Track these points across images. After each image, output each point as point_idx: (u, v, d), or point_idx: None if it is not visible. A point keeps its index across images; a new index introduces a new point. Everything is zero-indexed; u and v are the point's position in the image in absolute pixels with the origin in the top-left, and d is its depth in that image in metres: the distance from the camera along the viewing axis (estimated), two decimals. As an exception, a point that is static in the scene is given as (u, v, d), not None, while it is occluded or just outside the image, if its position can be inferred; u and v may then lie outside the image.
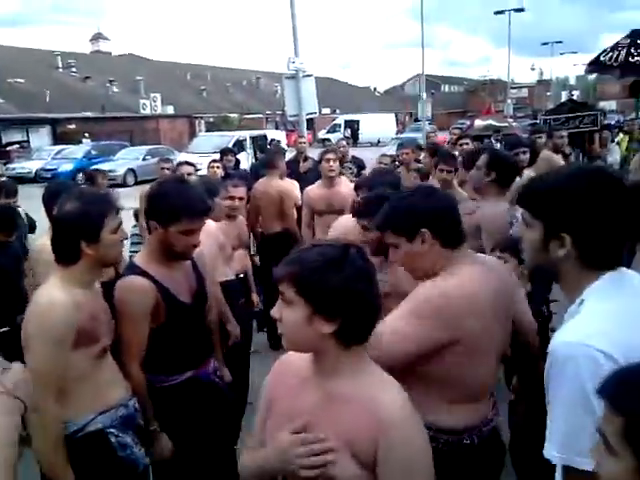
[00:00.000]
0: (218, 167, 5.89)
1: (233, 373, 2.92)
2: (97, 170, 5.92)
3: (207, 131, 31.54)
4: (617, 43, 6.15)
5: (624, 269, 1.37)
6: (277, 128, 32.24)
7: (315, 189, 4.89)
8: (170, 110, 36.31)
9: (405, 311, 1.77)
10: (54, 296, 1.93)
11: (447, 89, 74.24)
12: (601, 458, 0.94)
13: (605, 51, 6.25)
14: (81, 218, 1.98)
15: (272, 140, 16.76)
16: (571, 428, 1.20)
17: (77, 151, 23.54)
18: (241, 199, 4.03)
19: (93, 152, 23.31)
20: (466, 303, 1.73)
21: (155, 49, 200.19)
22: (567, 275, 1.36)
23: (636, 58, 5.82)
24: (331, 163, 4.73)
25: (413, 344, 1.74)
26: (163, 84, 38.33)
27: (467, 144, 5.97)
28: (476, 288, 1.77)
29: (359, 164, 7.17)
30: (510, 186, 3.39)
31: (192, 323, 2.42)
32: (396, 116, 43.00)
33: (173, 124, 35.98)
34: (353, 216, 2.76)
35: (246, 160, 17.17)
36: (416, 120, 38.08)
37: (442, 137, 14.61)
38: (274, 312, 1.34)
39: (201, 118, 37.94)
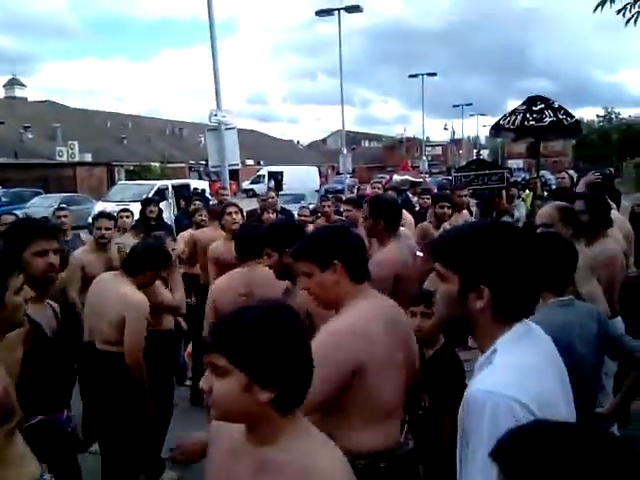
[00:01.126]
0: (127, 217, 5.90)
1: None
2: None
3: (128, 179, 30.85)
4: (515, 109, 6.68)
5: (527, 320, 1.43)
6: (201, 178, 32.08)
7: (217, 243, 4.74)
8: (88, 158, 35.35)
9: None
10: None
11: (367, 144, 77.30)
12: None
13: (504, 116, 6.77)
14: None
15: (195, 189, 16.64)
16: (488, 470, 1.24)
17: (-14, 197, 22.31)
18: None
19: (4, 199, 22.13)
20: (362, 333, 1.88)
21: (74, 97, 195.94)
22: (481, 326, 1.39)
23: (531, 122, 6.32)
24: (233, 216, 4.78)
25: (331, 384, 1.82)
26: (82, 132, 37.40)
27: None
28: (371, 320, 1.93)
29: (289, 215, 7.29)
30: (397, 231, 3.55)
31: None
32: (319, 169, 44.03)
33: (91, 172, 34.96)
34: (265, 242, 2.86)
35: (168, 209, 16.84)
36: (338, 173, 39.18)
37: (368, 190, 15.11)
38: (203, 384, 1.26)
39: (121, 166, 37.16)
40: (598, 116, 59.09)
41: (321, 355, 1.78)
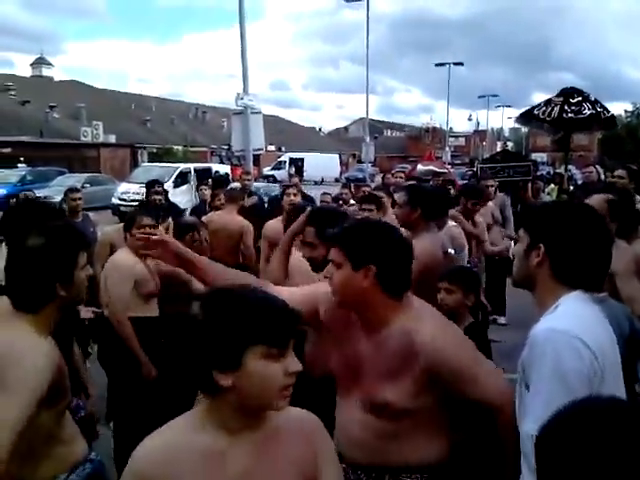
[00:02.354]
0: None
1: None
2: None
3: (150, 162, 31.08)
4: (550, 99, 6.57)
5: (589, 296, 1.51)
6: (222, 162, 32.22)
7: (274, 223, 4.89)
8: (112, 139, 35.65)
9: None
10: (34, 345, 1.69)
11: (389, 134, 76.68)
12: None
13: (539, 106, 6.65)
14: (54, 257, 1.78)
15: (216, 172, 16.69)
16: (550, 403, 1.23)
17: (11, 176, 22.62)
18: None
19: (29, 177, 22.41)
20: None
21: (100, 77, 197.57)
22: (542, 283, 1.52)
23: (570, 115, 6.23)
24: (292, 197, 4.83)
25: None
26: (106, 112, 37.69)
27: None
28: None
29: (310, 200, 7.27)
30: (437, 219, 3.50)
31: None
32: (340, 157, 43.89)
33: (114, 153, 35.27)
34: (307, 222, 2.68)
35: (189, 192, 16.96)
36: (359, 162, 39.03)
37: (392, 180, 15.04)
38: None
39: (144, 148, 37.41)
40: (626, 111, 57.69)
41: (464, 353, 1.75)
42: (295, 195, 4.95)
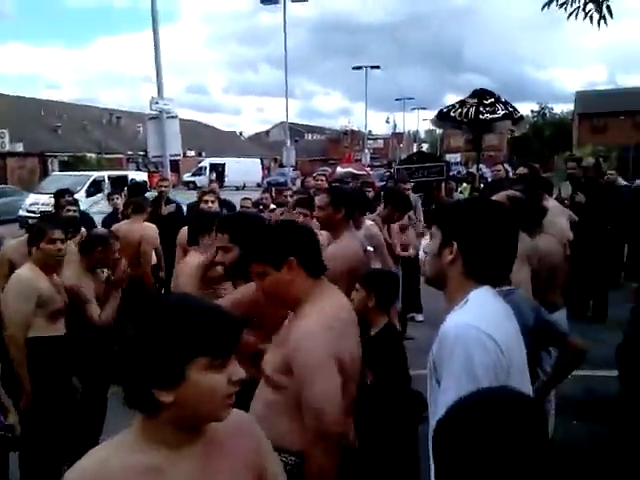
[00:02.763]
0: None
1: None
2: None
3: (61, 171, 29.63)
4: (464, 101, 6.79)
5: (495, 291, 1.56)
6: (139, 169, 31.22)
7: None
8: (19, 148, 33.68)
9: (314, 370, 1.79)
10: None
11: (310, 137, 77.21)
12: None
13: (454, 107, 6.83)
14: None
15: (132, 180, 16.16)
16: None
17: None
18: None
19: None
20: (339, 328, 1.87)
21: (8, 82, 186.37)
22: (453, 280, 1.55)
23: (485, 115, 6.47)
24: (209, 204, 4.77)
25: (336, 387, 1.81)
26: (12, 120, 35.57)
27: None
28: (343, 314, 1.95)
29: (230, 207, 7.16)
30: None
31: None
32: (262, 161, 43.71)
33: (22, 162, 33.33)
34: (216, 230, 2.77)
35: (103, 201, 16.28)
36: (281, 166, 39.05)
37: (312, 183, 15.19)
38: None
39: (54, 157, 35.61)
40: (532, 111, 61.26)
41: (317, 358, 1.78)
42: (213, 202, 4.89)
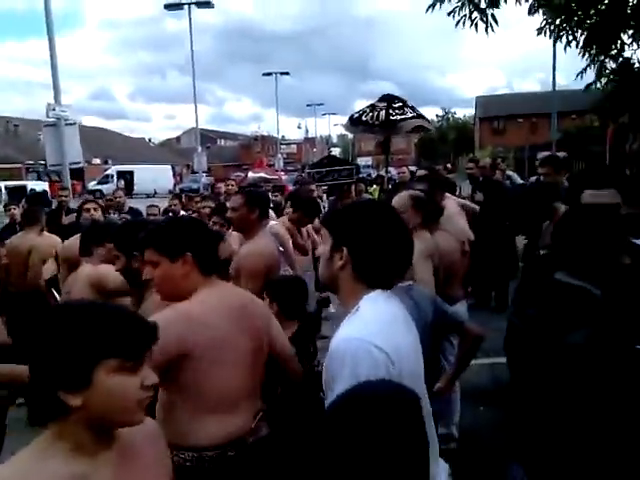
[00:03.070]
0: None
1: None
2: None
3: (-48, 182, 27.46)
4: (373, 105, 6.94)
5: (391, 293, 1.56)
6: (40, 179, 29.53)
7: (73, 242, 4.60)
8: None
9: None
10: None
11: (223, 143, 76.44)
12: None
13: (364, 112, 6.96)
14: None
15: (31, 190, 15.30)
16: None
17: None
18: None
19: None
20: (194, 318, 1.85)
21: None
22: (345, 285, 1.54)
23: (395, 117, 6.63)
24: (92, 212, 4.58)
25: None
26: None
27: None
28: (211, 306, 1.92)
29: (137, 214, 6.95)
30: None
31: None
32: (173, 168, 42.68)
33: None
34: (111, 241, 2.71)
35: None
36: (193, 172, 38.31)
37: (223, 189, 15.13)
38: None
39: (-56, 167, 33.00)
40: (437, 116, 63.94)
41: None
42: (95, 210, 4.71)
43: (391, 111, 6.70)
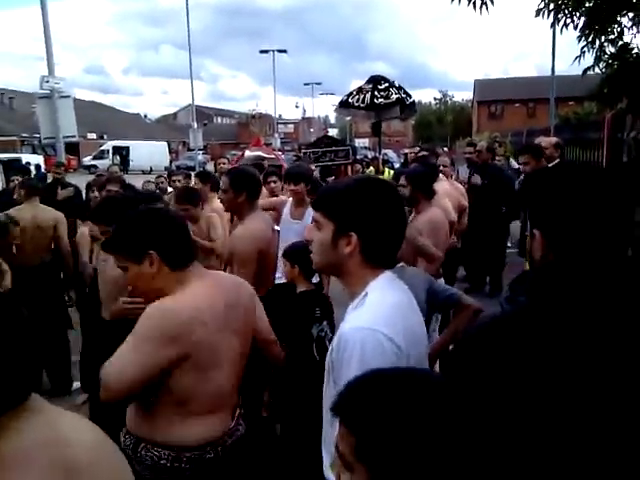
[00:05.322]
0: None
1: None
2: None
3: (-54, 154, 27.18)
4: (361, 87, 6.89)
5: (393, 274, 1.53)
6: (35, 152, 29.26)
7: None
8: None
9: (130, 340, 1.76)
10: None
11: (219, 121, 75.83)
12: (340, 472, 0.95)
13: (351, 93, 6.94)
14: None
15: (27, 164, 15.18)
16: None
17: None
18: None
19: None
20: (188, 317, 1.76)
21: None
22: (352, 271, 1.48)
23: (380, 100, 6.57)
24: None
25: (140, 367, 1.73)
26: None
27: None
28: (199, 302, 1.81)
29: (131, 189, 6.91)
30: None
31: None
32: (169, 144, 42.40)
33: None
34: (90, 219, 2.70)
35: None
36: (189, 150, 38.05)
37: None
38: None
39: (-62, 139, 32.67)
40: (435, 99, 63.65)
41: (143, 334, 1.74)
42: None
43: (376, 93, 6.63)
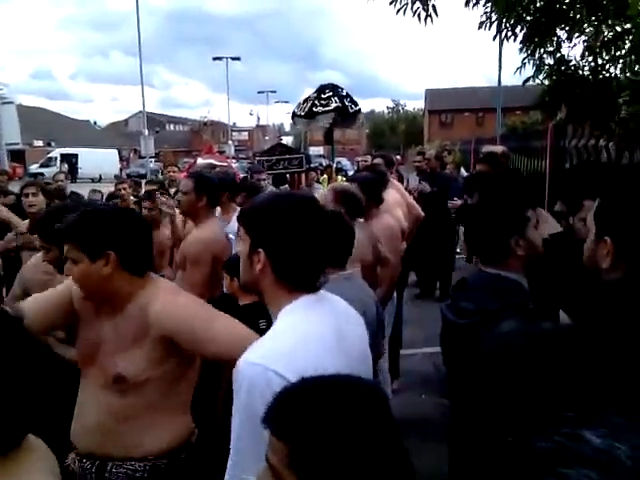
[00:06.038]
0: None
1: None
2: None
3: None
4: (308, 97, 6.92)
5: (324, 293, 1.43)
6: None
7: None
8: None
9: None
10: None
11: (172, 128, 74.75)
12: None
13: (299, 104, 6.96)
14: None
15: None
16: (239, 438, 1.25)
17: None
18: None
19: None
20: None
21: None
22: (267, 292, 1.40)
23: (318, 108, 6.58)
24: (30, 198, 4.30)
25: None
26: None
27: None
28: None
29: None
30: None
31: None
32: (119, 152, 41.51)
33: None
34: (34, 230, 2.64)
35: None
36: (140, 157, 37.35)
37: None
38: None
39: None
40: (388, 107, 64.59)
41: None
42: (35, 195, 4.39)
43: (317, 101, 6.66)
